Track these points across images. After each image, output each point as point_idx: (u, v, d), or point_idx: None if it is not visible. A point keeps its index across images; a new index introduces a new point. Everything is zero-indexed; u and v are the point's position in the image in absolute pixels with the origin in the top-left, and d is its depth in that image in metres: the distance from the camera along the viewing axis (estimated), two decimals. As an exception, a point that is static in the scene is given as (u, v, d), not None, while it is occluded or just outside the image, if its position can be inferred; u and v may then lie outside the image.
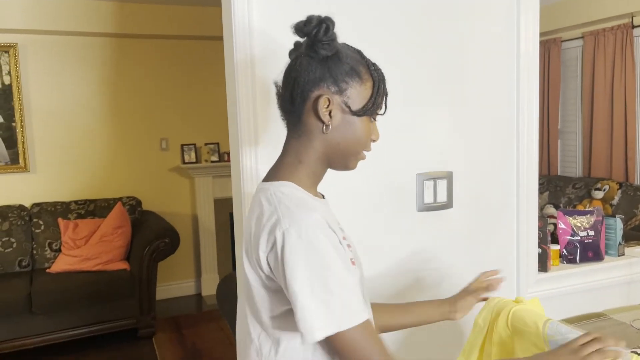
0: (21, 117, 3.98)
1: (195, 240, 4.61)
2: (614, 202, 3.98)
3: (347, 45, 0.99)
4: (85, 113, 4.18)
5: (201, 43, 4.36)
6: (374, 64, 0.98)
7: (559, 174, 4.77)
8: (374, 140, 1.01)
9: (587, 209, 2.37)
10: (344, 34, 0.99)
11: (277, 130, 1.41)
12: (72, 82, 4.12)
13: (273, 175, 1.00)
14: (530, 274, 1.78)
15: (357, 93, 0.95)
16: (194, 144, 4.50)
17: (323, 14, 0.94)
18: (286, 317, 0.91)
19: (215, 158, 4.52)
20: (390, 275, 1.61)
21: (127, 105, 4.31)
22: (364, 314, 0.87)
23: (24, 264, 3.75)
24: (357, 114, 0.96)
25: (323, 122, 0.95)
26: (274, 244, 0.87)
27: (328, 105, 0.94)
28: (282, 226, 0.86)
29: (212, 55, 4.35)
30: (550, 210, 4.25)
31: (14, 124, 3.97)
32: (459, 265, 1.69)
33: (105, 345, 3.54)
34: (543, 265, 1.82)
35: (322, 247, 0.85)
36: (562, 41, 4.61)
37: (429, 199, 1.64)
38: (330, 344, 0.88)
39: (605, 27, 4.21)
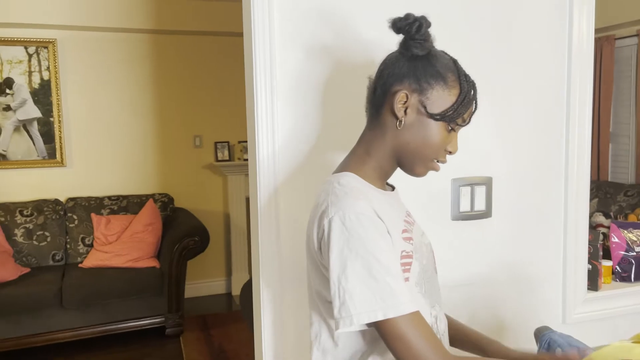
0: (59, 112, 4.02)
1: (227, 238, 4.57)
2: (671, 212, 3.68)
3: (444, 52, 0.99)
4: (121, 109, 4.19)
5: (236, 40, 4.31)
6: (466, 75, 0.96)
7: (609, 179, 4.49)
8: (450, 153, 0.99)
9: (643, 221, 2.16)
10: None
11: (297, 126, 1.31)
12: (109, 78, 4.13)
13: (340, 167, 1.03)
14: (579, 292, 1.61)
15: (439, 97, 0.94)
16: (227, 142, 4.45)
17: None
18: None
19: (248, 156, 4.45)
20: (420, 289, 1.47)
21: (163, 102, 4.30)
22: (411, 305, 0.85)
23: (57, 257, 3.78)
24: (433, 117, 0.94)
25: (397, 118, 0.95)
26: (322, 232, 0.89)
27: (405, 102, 0.95)
28: (329, 214, 0.88)
29: (247, 52, 4.28)
30: (600, 218, 3.99)
31: (51, 119, 4.02)
32: (498, 281, 1.54)
33: (133, 342, 3.53)
34: (593, 283, 1.65)
35: (366, 234, 0.86)
36: (616, 39, 4.32)
37: (465, 206, 1.49)
38: (379, 333, 0.87)
39: (665, 23, 3.91)
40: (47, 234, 3.77)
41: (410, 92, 0.94)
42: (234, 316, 4.03)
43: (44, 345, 3.32)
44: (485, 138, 1.50)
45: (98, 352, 3.41)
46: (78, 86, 4.07)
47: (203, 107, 4.40)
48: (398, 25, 0.94)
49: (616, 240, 1.74)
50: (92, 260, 3.65)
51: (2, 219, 3.67)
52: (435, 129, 0.95)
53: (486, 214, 1.52)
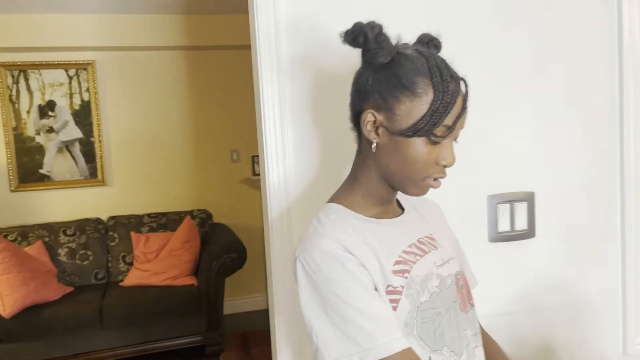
0: (99, 132, 4.09)
1: (266, 252, 4.49)
2: None
3: (417, 51, 0.85)
4: (158, 126, 4.22)
5: (270, 52, 4.26)
6: (443, 76, 0.81)
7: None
8: (445, 166, 0.85)
9: None
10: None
11: (306, 142, 1.20)
12: (146, 96, 4.17)
13: (331, 196, 0.96)
14: (641, 320, 1.42)
15: (408, 109, 0.82)
16: (265, 155, 4.39)
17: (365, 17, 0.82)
18: None
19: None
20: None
21: (199, 117, 4.30)
22: (396, 344, 0.77)
23: (99, 276, 3.82)
24: (404, 134, 0.82)
25: (370, 140, 0.86)
26: (294, 271, 0.85)
27: (375, 122, 0.85)
28: (296, 254, 0.85)
29: (281, 64, 4.24)
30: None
31: (92, 139, 4.09)
32: (546, 308, 1.37)
33: (172, 361, 3.50)
34: (658, 309, 1.44)
35: (330, 275, 0.80)
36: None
37: (504, 226, 1.33)
38: None
39: None
40: (89, 252, 3.82)
41: (376, 110, 0.84)
42: (275, 333, 3.94)
43: (86, 365, 3.33)
44: (525, 149, 1.35)
45: (138, 372, 3.40)
46: (116, 106, 4.12)
47: (239, 121, 4.37)
48: (345, 39, 0.85)
49: (685, 258, 1.52)
50: (132, 278, 3.66)
51: (47, 239, 3.74)
52: (413, 146, 0.83)
53: (529, 233, 1.36)
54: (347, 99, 1.19)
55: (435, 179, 0.87)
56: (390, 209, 0.95)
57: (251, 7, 1.21)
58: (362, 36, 0.83)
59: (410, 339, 0.82)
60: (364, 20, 0.85)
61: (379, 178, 0.90)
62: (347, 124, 1.20)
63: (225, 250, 3.56)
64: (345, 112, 1.20)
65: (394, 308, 0.82)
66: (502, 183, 1.33)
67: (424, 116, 0.81)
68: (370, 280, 0.82)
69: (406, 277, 0.84)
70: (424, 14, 1.24)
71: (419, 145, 0.83)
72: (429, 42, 0.89)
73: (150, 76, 4.17)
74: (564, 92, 1.36)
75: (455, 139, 0.88)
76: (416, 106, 0.81)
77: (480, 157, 1.30)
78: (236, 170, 4.41)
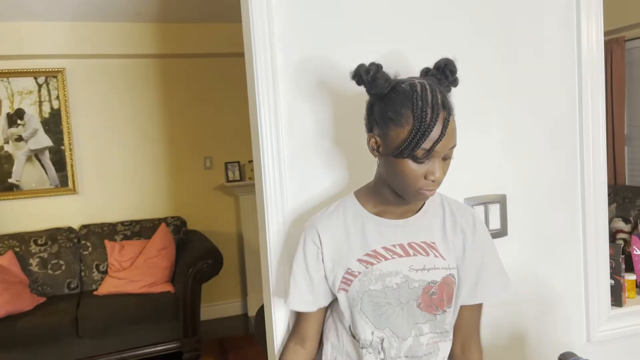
0: (69, 140, 4.05)
1: (241, 258, 4.54)
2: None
3: (411, 84, 0.99)
4: (130, 134, 4.21)
5: (241, 60, 4.30)
6: (423, 107, 0.96)
7: (626, 183, 4.39)
8: (432, 180, 1.00)
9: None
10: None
11: (302, 153, 1.29)
12: (117, 104, 4.16)
13: (358, 189, 1.18)
14: (602, 310, 1.55)
15: (395, 135, 0.99)
16: (238, 162, 4.44)
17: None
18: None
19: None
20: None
21: (171, 125, 4.32)
22: (294, 305, 1.15)
23: (72, 286, 3.78)
24: (392, 155, 1.00)
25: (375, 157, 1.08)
26: None
27: (376, 143, 1.04)
28: (304, 226, 1.17)
29: (253, 72, 4.31)
30: (619, 224, 3.91)
31: (62, 148, 4.05)
32: (518, 301, 1.49)
33: (150, 369, 3.50)
34: (617, 299, 1.59)
35: (300, 246, 1.15)
36: (626, 40, 4.26)
37: (479, 226, 1.45)
38: None
39: (676, 22, 3.84)
40: (61, 262, 3.77)
41: (376, 136, 1.04)
42: (252, 339, 3.99)
43: (62, 375, 3.30)
44: (496, 155, 1.47)
45: (115, 380, 3.38)
46: (87, 114, 4.10)
47: (211, 129, 4.40)
48: (351, 78, 1.05)
49: (638, 252, 1.68)
50: (107, 287, 3.64)
51: (17, 249, 3.68)
52: (402, 164, 1.00)
53: (502, 232, 1.48)
54: (344, 109, 1.30)
55: (430, 189, 1.01)
56: (397, 210, 1.11)
57: (245, 17, 1.27)
58: (358, 77, 1.03)
59: (355, 312, 1.09)
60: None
61: (386, 185, 1.08)
62: (345, 134, 1.31)
63: (201, 256, 3.59)
64: (343, 121, 1.30)
65: (347, 284, 1.09)
66: (477, 187, 1.45)
67: (404, 141, 0.97)
68: (316, 267, 1.13)
69: (367, 267, 1.08)
70: (394, 28, 1.34)
71: (407, 164, 0.99)
72: (444, 67, 1.04)
73: (122, 84, 4.16)
74: (531, 108, 1.49)
75: (445, 158, 1.01)
76: (400, 133, 0.98)
77: (459, 164, 1.41)
78: (210, 177, 4.44)
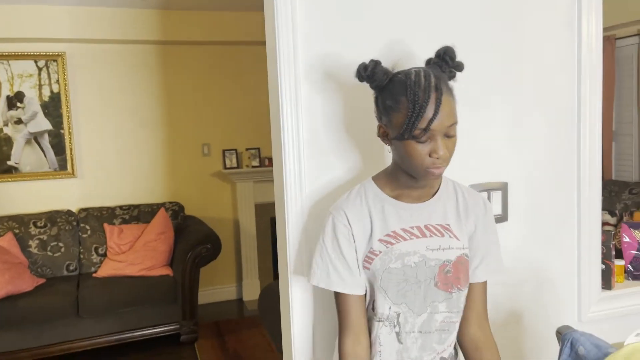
0: (69, 124, 4.08)
1: (237, 245, 4.61)
2: (676, 209, 3.73)
3: (406, 74, 1.07)
4: (130, 119, 4.25)
5: (241, 48, 4.36)
6: (415, 91, 1.03)
7: (613, 178, 4.53)
8: (437, 158, 1.07)
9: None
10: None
11: (322, 136, 1.37)
12: (117, 89, 4.19)
13: (376, 174, 1.25)
14: (593, 292, 1.66)
15: (397, 121, 1.08)
16: (235, 149, 4.50)
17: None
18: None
19: (256, 163, 4.51)
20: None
21: (171, 112, 4.36)
22: (322, 283, 1.19)
23: (71, 268, 3.83)
24: (397, 139, 1.09)
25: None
26: None
27: (384, 131, 1.14)
28: (330, 210, 1.22)
29: (252, 61, 4.35)
30: (605, 217, 4.04)
31: (62, 131, 4.07)
32: (517, 282, 1.59)
33: (148, 350, 3.58)
34: (607, 283, 1.70)
35: (331, 232, 1.18)
36: (616, 39, 4.38)
37: (483, 211, 1.54)
38: None
39: (665, 23, 3.96)
40: (60, 244, 3.82)
41: (383, 124, 1.14)
42: (247, 322, 4.08)
43: (61, 355, 3.36)
44: (501, 144, 1.56)
45: (114, 361, 3.46)
46: (87, 98, 4.12)
47: (210, 116, 4.45)
48: (355, 76, 1.15)
49: (627, 240, 1.79)
50: (106, 269, 3.70)
51: (17, 231, 3.71)
52: (407, 146, 1.08)
53: (503, 218, 1.57)
54: (357, 101, 1.38)
55: (437, 167, 1.09)
56: (413, 193, 1.19)
57: (269, 10, 1.34)
58: (358, 74, 1.14)
59: (375, 288, 1.17)
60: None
61: (401, 169, 1.16)
62: (359, 124, 1.39)
63: (200, 241, 3.66)
64: (357, 112, 1.38)
65: (370, 263, 1.16)
66: (481, 174, 1.54)
67: (402, 124, 1.06)
68: (350, 244, 1.17)
69: (387, 247, 1.16)
70: (405, 21, 1.42)
71: (411, 145, 1.07)
72: (444, 54, 1.12)
73: (122, 69, 4.19)
74: (533, 100, 1.58)
75: (449, 136, 1.08)
76: (399, 118, 1.07)
77: (464, 153, 1.50)
78: (207, 163, 4.49)
